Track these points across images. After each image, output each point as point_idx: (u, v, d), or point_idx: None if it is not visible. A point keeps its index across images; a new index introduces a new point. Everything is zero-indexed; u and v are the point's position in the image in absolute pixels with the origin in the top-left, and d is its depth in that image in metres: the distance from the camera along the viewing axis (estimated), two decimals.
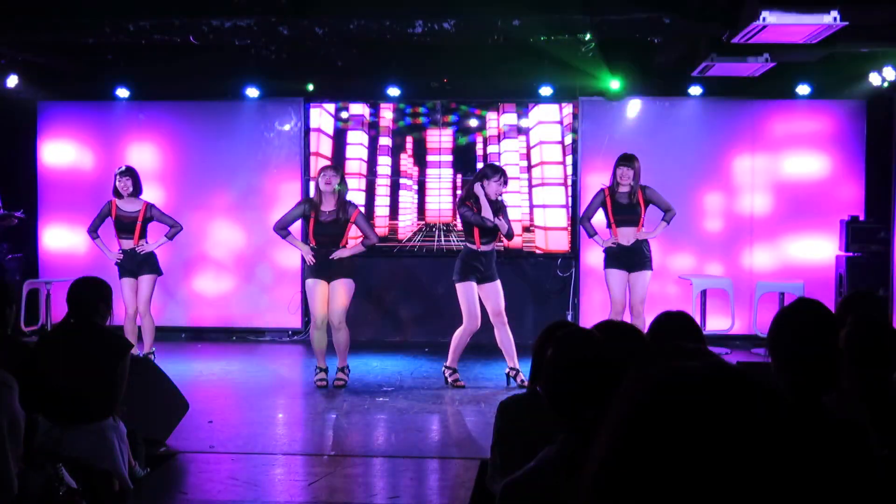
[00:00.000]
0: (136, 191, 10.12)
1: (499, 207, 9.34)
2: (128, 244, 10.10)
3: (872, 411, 3.39)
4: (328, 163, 10.28)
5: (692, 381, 1.19)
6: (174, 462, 6.93)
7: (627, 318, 9.40)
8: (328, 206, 9.29)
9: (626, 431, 1.18)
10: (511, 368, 9.42)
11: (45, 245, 12.45)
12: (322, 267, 9.34)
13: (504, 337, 9.35)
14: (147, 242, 10.16)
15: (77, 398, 5.64)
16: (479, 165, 12.03)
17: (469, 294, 9.27)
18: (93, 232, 10.20)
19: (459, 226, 9.94)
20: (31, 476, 4.91)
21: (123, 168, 10.22)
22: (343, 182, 9.45)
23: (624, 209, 9.69)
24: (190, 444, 7.29)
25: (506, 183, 9.35)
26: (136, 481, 6.04)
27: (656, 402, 1.18)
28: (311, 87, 11.73)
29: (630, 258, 9.70)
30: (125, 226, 10.07)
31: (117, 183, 10.08)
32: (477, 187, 9.26)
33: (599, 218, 9.90)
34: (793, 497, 1.12)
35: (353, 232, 9.61)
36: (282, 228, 9.46)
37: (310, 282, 9.43)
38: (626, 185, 9.67)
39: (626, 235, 9.69)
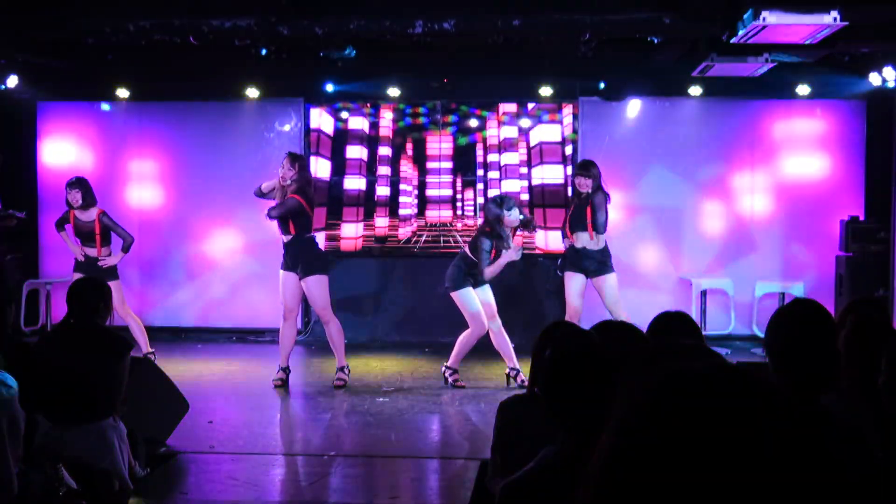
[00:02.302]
0: (88, 202, 10.02)
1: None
2: (92, 252, 10.05)
3: (872, 413, 3.39)
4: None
5: (695, 381, 1.19)
6: (174, 462, 6.94)
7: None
8: (280, 195, 9.33)
9: (628, 433, 1.18)
10: (511, 369, 9.42)
11: (46, 245, 12.45)
12: (287, 260, 9.43)
13: (500, 339, 9.36)
14: (111, 252, 10.09)
15: (77, 398, 5.65)
16: (479, 166, 12.07)
17: (470, 299, 9.29)
18: (59, 226, 10.20)
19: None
20: (31, 476, 4.91)
21: (73, 179, 10.11)
22: (298, 167, 9.34)
23: (578, 214, 9.67)
24: (190, 444, 7.29)
25: (510, 213, 9.34)
26: (137, 481, 6.05)
27: (659, 403, 1.18)
28: (312, 86, 11.71)
29: (586, 264, 9.64)
30: (85, 235, 10.04)
31: (68, 195, 10.01)
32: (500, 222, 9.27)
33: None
34: (794, 497, 1.13)
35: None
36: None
37: (281, 273, 9.50)
38: (585, 193, 9.63)
39: (580, 239, 9.66)
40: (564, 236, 9.88)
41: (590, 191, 9.60)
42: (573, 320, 9.58)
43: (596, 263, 9.63)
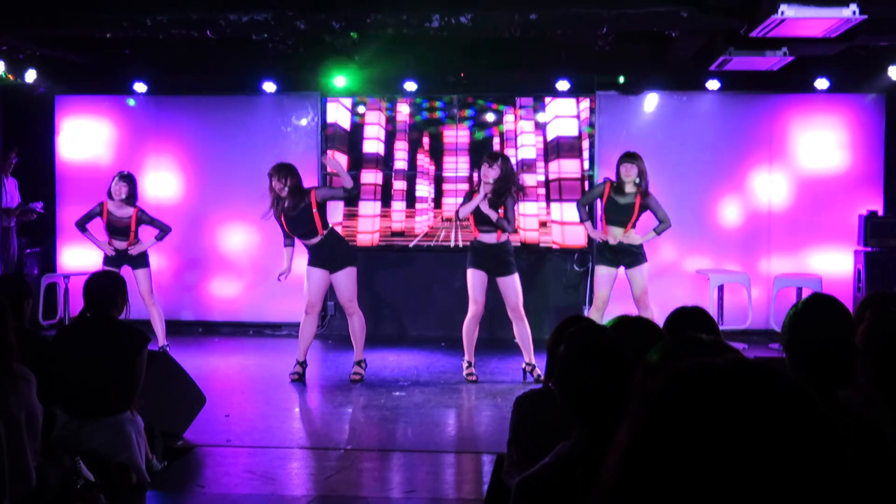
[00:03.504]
0: (130, 199, 10.12)
1: (501, 195, 9.29)
2: (121, 245, 10.13)
3: (890, 407, 3.37)
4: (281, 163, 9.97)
5: (715, 376, 1.18)
6: (191, 455, 6.96)
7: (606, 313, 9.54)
8: (290, 201, 9.30)
9: (646, 429, 1.17)
10: (527, 364, 9.42)
11: (63, 239, 12.49)
12: (319, 257, 9.39)
13: (521, 331, 9.36)
14: (140, 241, 10.18)
15: (95, 392, 5.67)
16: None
17: (472, 280, 9.35)
18: (81, 226, 10.22)
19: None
20: (49, 469, 4.94)
21: (126, 173, 10.24)
22: (291, 178, 9.34)
23: (618, 209, 9.64)
24: (207, 437, 7.31)
25: (490, 166, 9.28)
26: (154, 474, 6.07)
27: (678, 398, 1.17)
28: (328, 81, 11.70)
29: (622, 255, 9.68)
30: (119, 230, 10.11)
31: (113, 185, 10.08)
32: (476, 176, 9.40)
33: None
34: (814, 494, 1.12)
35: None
36: (287, 238, 9.54)
37: (307, 269, 9.49)
38: (630, 182, 9.61)
39: (614, 234, 9.67)
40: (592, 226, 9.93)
41: (635, 179, 9.57)
42: (599, 311, 9.58)
43: (632, 254, 9.69)
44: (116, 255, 10.10)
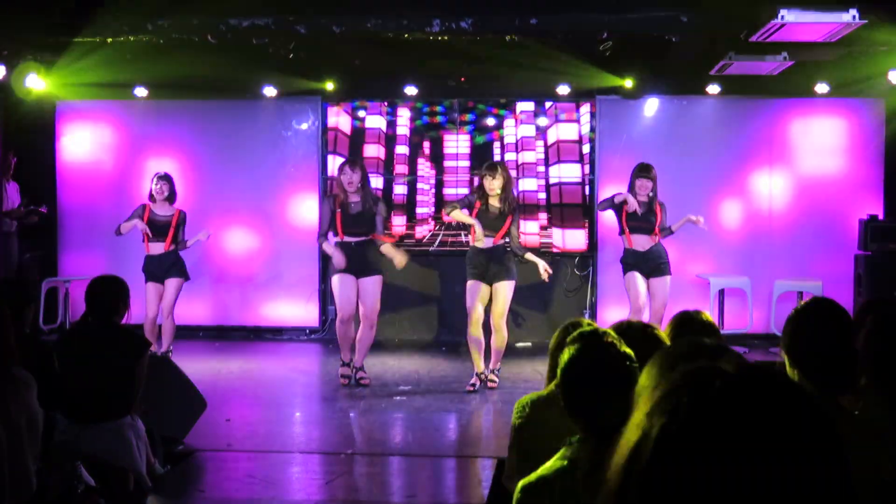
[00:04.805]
0: (171, 197, 10.21)
1: (509, 205, 9.22)
2: (158, 248, 10.13)
3: (891, 412, 3.37)
4: (347, 159, 9.98)
5: (723, 380, 1.18)
6: (192, 460, 6.95)
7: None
8: (354, 197, 9.26)
9: (650, 433, 1.17)
10: (491, 370, 9.30)
11: (64, 244, 12.49)
12: (350, 262, 9.27)
13: (500, 341, 9.23)
14: (185, 241, 10.26)
15: (96, 396, 5.66)
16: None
17: (471, 292, 9.17)
18: (119, 232, 10.21)
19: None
20: (49, 474, 4.94)
21: (163, 173, 10.33)
22: (364, 175, 9.36)
23: (640, 217, 9.63)
24: (208, 442, 7.31)
25: (494, 177, 9.13)
26: (155, 479, 6.06)
27: (686, 403, 1.17)
28: (329, 85, 11.71)
29: (647, 264, 9.64)
30: (158, 229, 10.14)
31: (153, 186, 10.16)
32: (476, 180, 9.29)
33: (610, 217, 9.93)
34: (819, 497, 1.12)
35: None
36: (323, 236, 9.44)
37: (336, 277, 9.32)
38: (644, 195, 9.61)
39: (640, 242, 9.64)
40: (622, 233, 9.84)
41: (650, 192, 9.58)
42: (638, 314, 9.52)
43: (658, 263, 9.64)
44: (157, 268, 10.09)
